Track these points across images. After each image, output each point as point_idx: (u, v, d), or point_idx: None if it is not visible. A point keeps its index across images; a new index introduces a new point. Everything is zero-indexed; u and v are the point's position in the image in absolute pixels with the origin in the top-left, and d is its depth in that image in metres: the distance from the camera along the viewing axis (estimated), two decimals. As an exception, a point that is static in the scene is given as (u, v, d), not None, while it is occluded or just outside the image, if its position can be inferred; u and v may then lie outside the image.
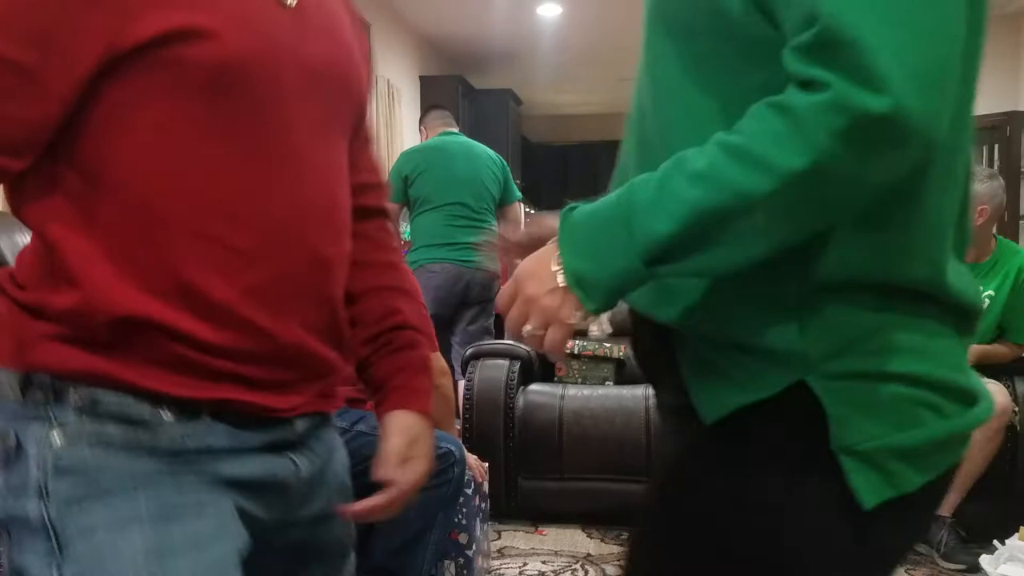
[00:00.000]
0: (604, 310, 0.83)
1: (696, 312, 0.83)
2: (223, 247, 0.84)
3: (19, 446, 0.83)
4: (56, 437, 0.82)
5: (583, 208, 0.82)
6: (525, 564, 2.87)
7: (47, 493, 0.81)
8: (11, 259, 1.72)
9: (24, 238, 1.59)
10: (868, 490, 0.80)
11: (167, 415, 0.84)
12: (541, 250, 0.85)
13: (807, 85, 0.70)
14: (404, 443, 1.01)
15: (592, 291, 0.80)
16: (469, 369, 3.33)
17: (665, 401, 0.97)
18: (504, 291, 0.87)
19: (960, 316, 0.85)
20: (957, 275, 0.85)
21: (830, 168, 0.70)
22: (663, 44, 0.86)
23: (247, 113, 0.85)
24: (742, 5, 0.78)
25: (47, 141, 0.82)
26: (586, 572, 2.79)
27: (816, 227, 0.77)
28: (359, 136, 1.05)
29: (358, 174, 1.05)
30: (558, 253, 0.82)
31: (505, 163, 4.29)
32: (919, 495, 0.82)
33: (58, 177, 0.83)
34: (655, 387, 0.99)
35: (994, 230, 3.19)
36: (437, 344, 1.02)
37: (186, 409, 0.85)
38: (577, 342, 3.51)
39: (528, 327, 0.84)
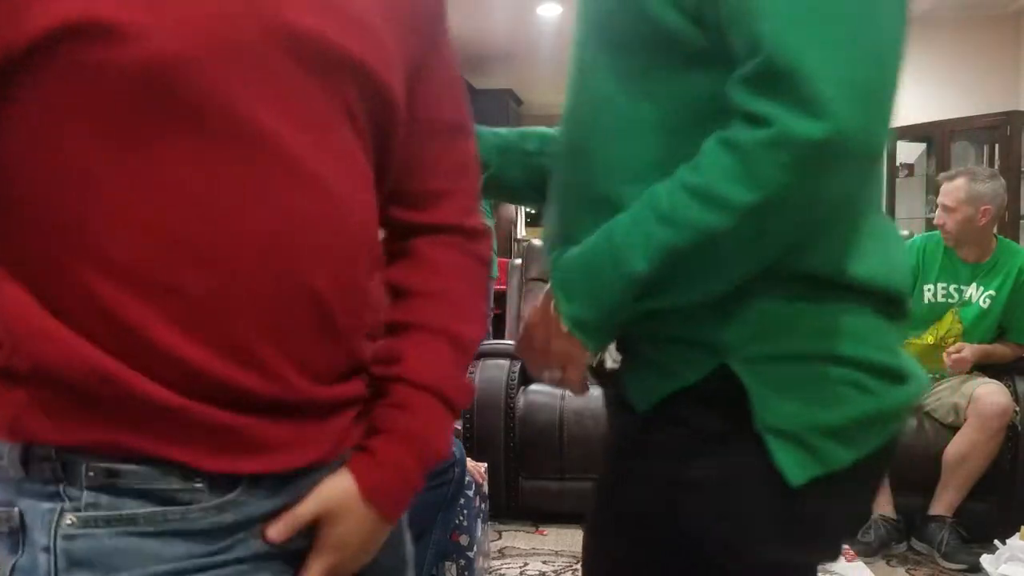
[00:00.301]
0: (606, 345, 0.91)
1: (630, 308, 0.87)
2: (181, 295, 0.67)
3: (24, 528, 0.69)
4: (67, 520, 0.67)
5: (570, 255, 0.88)
6: (526, 564, 2.86)
7: None
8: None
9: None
10: (794, 468, 0.83)
11: (199, 484, 0.69)
12: (541, 297, 0.92)
13: (752, 119, 0.74)
14: (311, 513, 0.75)
15: (591, 332, 0.87)
16: (470, 369, 3.32)
17: (608, 396, 1.01)
18: (519, 341, 0.96)
19: (884, 301, 0.87)
20: (880, 261, 0.87)
21: (783, 197, 0.75)
22: (600, 57, 0.89)
23: (210, 120, 0.67)
24: (677, 19, 0.80)
25: None
26: (587, 572, 2.79)
27: (789, 244, 0.80)
28: (396, 126, 0.80)
29: (418, 178, 0.85)
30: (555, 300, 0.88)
31: None
32: (852, 472, 0.85)
33: None
34: (600, 384, 1.02)
35: (995, 230, 3.19)
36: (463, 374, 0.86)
37: (221, 477, 0.71)
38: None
39: (548, 373, 0.93)
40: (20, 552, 0.69)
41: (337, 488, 0.76)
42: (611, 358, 0.92)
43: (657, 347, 0.88)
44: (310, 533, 0.76)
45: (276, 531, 0.74)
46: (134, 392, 0.66)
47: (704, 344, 0.85)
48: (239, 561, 0.72)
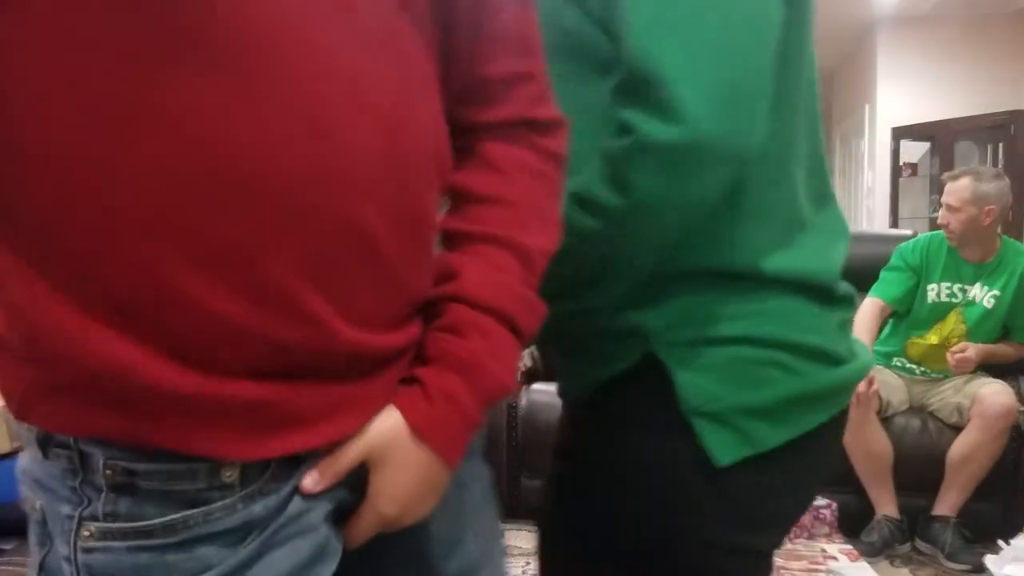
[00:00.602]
0: (527, 346, 0.94)
1: (557, 301, 0.92)
2: (206, 239, 0.56)
3: (45, 525, 0.63)
4: (84, 531, 0.60)
5: None
6: (528, 563, 2.86)
7: None
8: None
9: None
10: (722, 449, 0.84)
11: (228, 475, 0.60)
12: None
13: (621, 127, 0.78)
14: (354, 457, 0.65)
15: None
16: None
17: (560, 392, 1.03)
18: None
19: (811, 290, 0.89)
20: (810, 255, 0.89)
21: (650, 200, 0.78)
22: None
23: (211, 22, 0.54)
24: (591, 30, 0.83)
25: None
26: (589, 572, 2.79)
27: (671, 241, 0.83)
28: (455, 4, 0.67)
29: (479, 64, 0.70)
30: None
31: None
32: (786, 453, 0.86)
33: None
34: (558, 379, 1.04)
35: (999, 230, 3.18)
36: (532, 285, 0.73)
37: (252, 465, 0.61)
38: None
39: None
40: (47, 549, 0.64)
41: (382, 426, 0.65)
42: (525, 360, 0.96)
43: (591, 337, 0.90)
44: (359, 486, 0.66)
45: (313, 480, 0.63)
46: (146, 383, 0.57)
47: (631, 332, 0.87)
48: (274, 544, 0.62)
